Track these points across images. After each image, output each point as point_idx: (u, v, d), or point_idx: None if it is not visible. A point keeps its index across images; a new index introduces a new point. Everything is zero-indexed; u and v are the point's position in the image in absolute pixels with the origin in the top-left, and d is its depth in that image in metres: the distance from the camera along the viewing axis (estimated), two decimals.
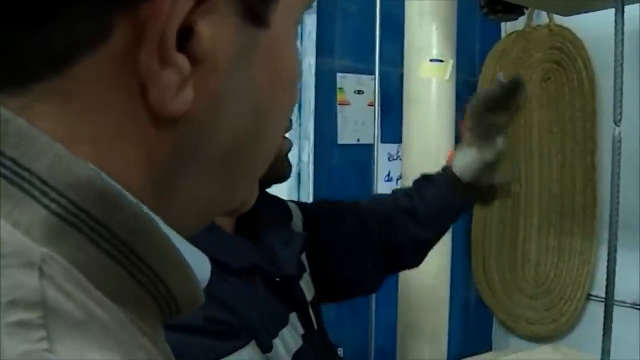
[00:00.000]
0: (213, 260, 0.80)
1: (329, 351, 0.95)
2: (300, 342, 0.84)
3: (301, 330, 0.86)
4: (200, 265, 0.34)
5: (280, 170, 0.89)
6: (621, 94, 1.18)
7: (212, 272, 0.76)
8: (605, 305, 1.16)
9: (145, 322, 0.30)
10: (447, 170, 1.11)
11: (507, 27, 2.51)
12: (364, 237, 1.06)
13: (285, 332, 0.82)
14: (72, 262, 0.27)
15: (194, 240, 0.34)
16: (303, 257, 0.98)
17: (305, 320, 0.87)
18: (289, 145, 0.90)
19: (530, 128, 2.37)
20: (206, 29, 0.29)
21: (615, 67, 1.19)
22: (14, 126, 0.28)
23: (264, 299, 0.81)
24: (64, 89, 0.29)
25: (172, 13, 0.28)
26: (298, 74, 0.38)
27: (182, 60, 0.29)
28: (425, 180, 1.13)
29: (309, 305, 0.90)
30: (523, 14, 1.36)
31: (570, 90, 2.22)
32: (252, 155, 0.36)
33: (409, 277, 1.63)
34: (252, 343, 0.76)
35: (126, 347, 0.27)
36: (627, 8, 1.18)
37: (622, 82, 1.18)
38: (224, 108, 0.32)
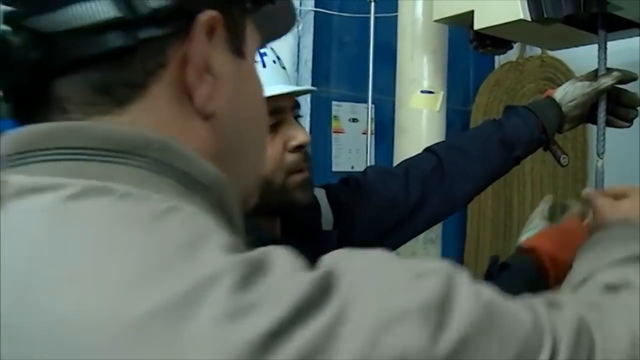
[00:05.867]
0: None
1: None
2: None
3: None
4: None
5: (301, 199, 1.00)
6: (604, 127, 1.21)
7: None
8: None
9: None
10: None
11: (501, 58, 2.55)
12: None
13: None
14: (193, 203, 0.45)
15: None
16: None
17: None
18: (305, 176, 1.00)
19: None
20: (215, 60, 0.49)
21: (599, 101, 1.22)
22: (165, 142, 0.46)
23: None
24: (147, 107, 0.46)
25: (200, 50, 0.47)
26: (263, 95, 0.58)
27: (209, 78, 0.49)
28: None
29: None
30: (512, 47, 1.39)
31: None
32: (255, 147, 0.56)
33: None
34: None
35: (210, 223, 0.42)
36: (610, 44, 1.21)
37: (605, 115, 1.21)
38: (234, 111, 0.51)
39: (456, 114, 2.43)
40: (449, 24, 1.43)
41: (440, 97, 1.62)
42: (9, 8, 0.43)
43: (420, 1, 1.60)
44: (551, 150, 1.29)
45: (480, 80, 2.58)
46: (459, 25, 1.36)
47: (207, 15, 0.48)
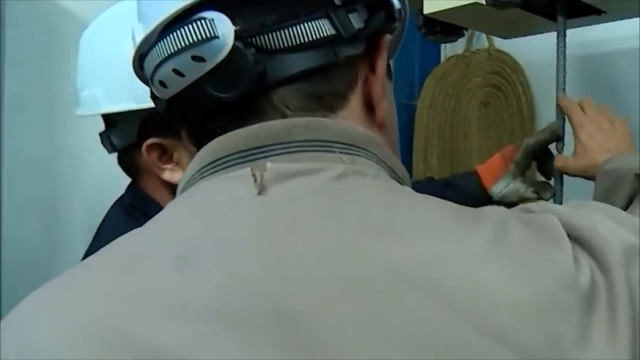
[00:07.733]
0: None
1: None
2: None
3: None
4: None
5: None
6: (564, 119, 1.14)
7: None
8: None
9: None
10: (478, 184, 1.31)
11: (447, 51, 2.48)
12: None
13: None
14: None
15: None
16: None
17: None
18: None
19: (470, 153, 2.33)
20: (380, 69, 0.58)
21: (557, 92, 1.15)
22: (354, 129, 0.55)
23: None
24: (349, 114, 0.56)
25: (382, 68, 0.58)
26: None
27: (387, 85, 0.60)
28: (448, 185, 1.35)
29: None
30: (462, 35, 1.31)
31: (510, 116, 2.19)
32: (395, 135, 0.64)
33: None
34: None
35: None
36: (567, 32, 1.14)
37: (563, 121, 1.13)
38: (386, 105, 0.59)
39: (401, 108, 2.34)
40: None
41: None
42: (239, 27, 0.50)
43: None
44: None
45: (425, 74, 2.49)
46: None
47: (387, 39, 0.58)
